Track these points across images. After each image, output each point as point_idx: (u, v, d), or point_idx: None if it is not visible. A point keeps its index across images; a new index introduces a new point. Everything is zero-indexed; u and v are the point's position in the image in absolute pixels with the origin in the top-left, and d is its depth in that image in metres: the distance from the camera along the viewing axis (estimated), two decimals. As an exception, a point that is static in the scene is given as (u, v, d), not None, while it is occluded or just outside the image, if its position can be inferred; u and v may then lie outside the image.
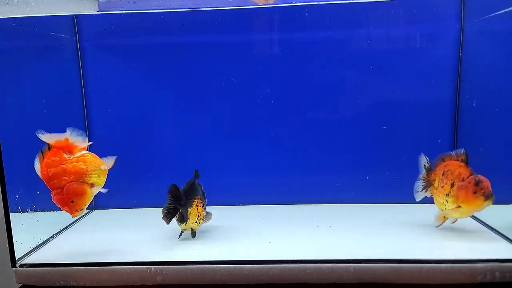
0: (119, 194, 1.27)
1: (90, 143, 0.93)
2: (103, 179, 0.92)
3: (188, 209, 0.97)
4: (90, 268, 0.88)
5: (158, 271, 0.87)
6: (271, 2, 0.81)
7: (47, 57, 1.14)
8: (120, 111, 1.24)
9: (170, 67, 1.21)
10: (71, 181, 0.85)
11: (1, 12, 0.86)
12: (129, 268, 0.88)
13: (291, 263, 0.86)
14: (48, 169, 0.85)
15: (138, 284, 0.88)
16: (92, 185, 0.88)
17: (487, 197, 0.90)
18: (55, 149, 0.86)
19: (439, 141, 1.18)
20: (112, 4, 1.08)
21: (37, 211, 1.03)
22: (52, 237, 1.05)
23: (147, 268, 0.87)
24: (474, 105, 1.14)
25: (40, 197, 1.05)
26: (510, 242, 0.94)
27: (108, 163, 0.93)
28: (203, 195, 1.04)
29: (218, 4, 1.02)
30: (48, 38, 1.13)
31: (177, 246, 0.97)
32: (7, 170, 0.89)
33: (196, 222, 0.99)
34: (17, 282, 0.91)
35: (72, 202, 0.85)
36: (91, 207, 1.29)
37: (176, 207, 0.96)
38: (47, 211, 1.07)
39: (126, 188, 1.27)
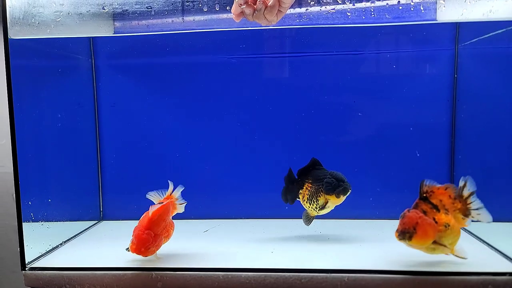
0: (126, 206, 1.32)
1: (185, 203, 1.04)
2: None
3: (300, 190, 1.07)
4: (95, 273, 0.92)
5: (159, 276, 0.91)
6: (274, 23, 0.88)
7: (64, 75, 1.22)
8: (130, 127, 1.31)
9: (180, 85, 1.29)
10: (159, 235, 0.94)
11: (23, 32, 0.94)
12: (132, 273, 0.92)
13: (286, 272, 0.89)
14: (158, 216, 0.95)
15: (140, 290, 0.92)
16: (157, 247, 0.94)
17: (397, 232, 0.84)
18: (166, 210, 0.98)
19: (418, 155, 1.22)
20: (127, 29, 1.16)
21: (48, 221, 1.08)
22: (61, 244, 1.10)
23: (149, 273, 0.91)
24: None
25: (52, 206, 1.11)
26: (503, 257, 0.95)
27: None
28: (326, 184, 1.03)
29: (224, 25, 1.10)
30: (66, 58, 1.22)
31: (178, 254, 1.01)
32: (22, 177, 0.95)
33: (307, 202, 1.06)
34: (26, 285, 0.95)
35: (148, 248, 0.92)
36: (99, 219, 1.34)
37: (288, 187, 1.09)
38: (58, 221, 1.13)
39: (133, 200, 1.31)
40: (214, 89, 1.28)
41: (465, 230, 1.14)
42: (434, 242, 0.85)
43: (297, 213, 1.28)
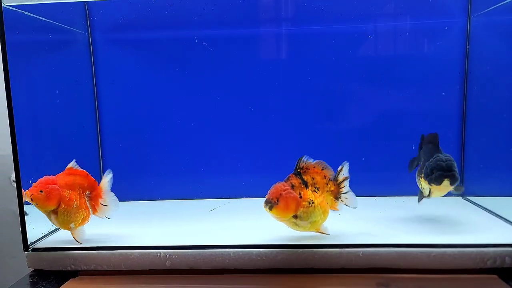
0: (129, 187, 1.28)
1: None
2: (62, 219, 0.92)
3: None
4: (101, 252, 0.89)
5: (167, 255, 0.88)
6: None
7: (61, 50, 1.17)
8: (129, 104, 1.26)
9: (179, 62, 1.24)
10: (57, 188, 0.90)
11: None
12: (140, 252, 0.89)
13: (299, 248, 0.86)
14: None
15: (148, 269, 0.89)
16: (55, 212, 0.90)
17: (264, 202, 0.85)
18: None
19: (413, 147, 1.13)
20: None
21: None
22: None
23: (157, 252, 0.88)
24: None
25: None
26: (519, 229, 0.93)
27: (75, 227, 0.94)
28: (424, 166, 0.90)
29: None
30: (61, 32, 1.16)
31: (186, 234, 0.98)
32: (21, 157, 0.91)
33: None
34: (28, 267, 0.92)
35: (41, 192, 0.88)
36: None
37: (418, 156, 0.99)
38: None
39: (134, 181, 1.29)
40: (216, 66, 1.23)
41: (479, 205, 1.12)
42: (296, 217, 0.85)
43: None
